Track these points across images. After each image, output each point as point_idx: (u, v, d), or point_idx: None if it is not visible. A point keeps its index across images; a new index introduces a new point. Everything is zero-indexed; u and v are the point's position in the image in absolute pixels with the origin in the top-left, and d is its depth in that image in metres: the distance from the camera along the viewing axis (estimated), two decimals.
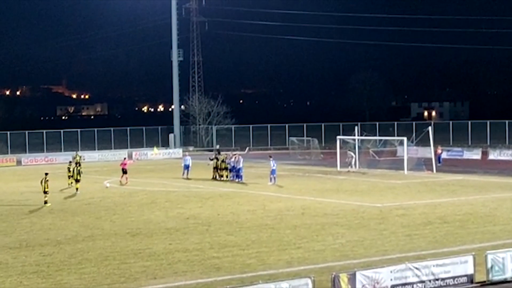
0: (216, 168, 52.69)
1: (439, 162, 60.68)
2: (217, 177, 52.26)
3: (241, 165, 51.24)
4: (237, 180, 50.48)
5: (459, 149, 74.75)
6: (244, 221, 32.69)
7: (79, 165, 48.18)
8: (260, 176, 52.91)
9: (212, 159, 54.02)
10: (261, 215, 34.59)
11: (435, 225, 30.86)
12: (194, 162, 56.49)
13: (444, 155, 65.42)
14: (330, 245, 26.86)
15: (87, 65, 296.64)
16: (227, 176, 51.67)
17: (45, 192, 39.79)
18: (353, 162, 57.12)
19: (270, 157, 51.16)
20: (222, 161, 52.50)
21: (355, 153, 58.18)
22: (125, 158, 55.36)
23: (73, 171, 46.63)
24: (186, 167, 54.45)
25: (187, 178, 53.31)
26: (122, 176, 50.73)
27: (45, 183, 39.83)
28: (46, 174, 40.78)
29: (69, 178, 47.79)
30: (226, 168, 51.96)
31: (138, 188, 47.66)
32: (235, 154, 54.57)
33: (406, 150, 56.65)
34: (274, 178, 48.62)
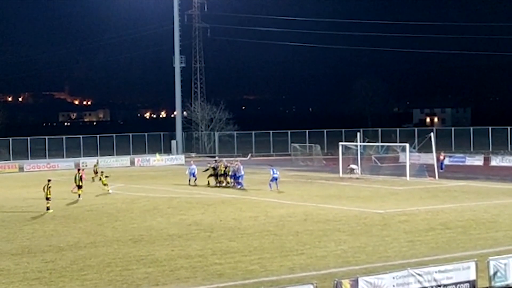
0: (216, 175, 52.58)
1: (442, 168, 60.66)
2: (219, 183, 52.18)
3: (242, 172, 51.17)
4: (238, 186, 50.48)
5: (461, 155, 74.75)
6: (246, 227, 32.68)
7: (102, 173, 50.10)
8: (263, 182, 52.83)
9: (205, 171, 53.88)
10: (263, 221, 34.58)
11: (438, 231, 30.84)
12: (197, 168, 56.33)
13: (446, 161, 65.42)
14: (333, 251, 26.85)
15: (89, 72, 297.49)
16: (228, 183, 51.71)
17: (47, 199, 39.82)
18: (355, 171, 56.88)
19: (270, 166, 51.65)
20: (224, 167, 52.46)
21: (358, 166, 57.89)
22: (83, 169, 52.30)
23: (75, 177, 46.53)
24: (193, 174, 54.10)
25: (190, 185, 53.16)
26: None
27: (47, 189, 39.89)
28: (49, 180, 40.87)
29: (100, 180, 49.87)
30: (226, 174, 51.96)
31: (141, 195, 47.66)
32: (236, 161, 54.43)
33: (408, 156, 56.63)
34: (273, 184, 48.62)
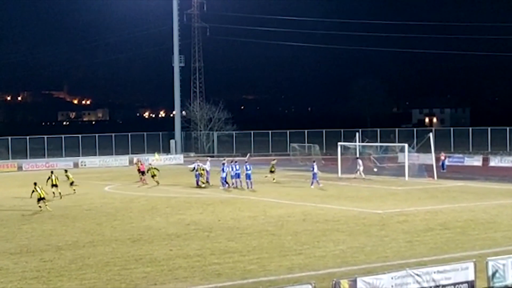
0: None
1: (443, 169, 60.67)
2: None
3: (249, 171, 50.18)
4: (223, 187, 49.82)
5: (460, 155, 74.74)
6: (245, 227, 32.67)
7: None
8: (262, 182, 52.87)
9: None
10: (262, 221, 34.57)
11: (436, 231, 30.84)
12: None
13: (445, 162, 65.34)
14: (331, 251, 26.84)
15: (89, 71, 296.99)
16: (203, 183, 51.34)
17: (43, 198, 39.79)
18: (361, 170, 56.70)
19: (314, 161, 52.13)
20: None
21: (361, 165, 57.77)
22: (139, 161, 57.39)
23: (54, 178, 45.74)
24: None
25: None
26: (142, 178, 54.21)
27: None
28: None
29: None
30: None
31: (139, 194, 47.66)
32: (235, 161, 53.93)
33: (407, 157, 56.61)
34: (317, 181, 49.80)
